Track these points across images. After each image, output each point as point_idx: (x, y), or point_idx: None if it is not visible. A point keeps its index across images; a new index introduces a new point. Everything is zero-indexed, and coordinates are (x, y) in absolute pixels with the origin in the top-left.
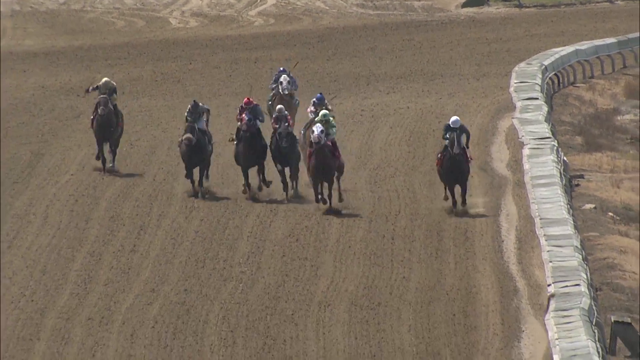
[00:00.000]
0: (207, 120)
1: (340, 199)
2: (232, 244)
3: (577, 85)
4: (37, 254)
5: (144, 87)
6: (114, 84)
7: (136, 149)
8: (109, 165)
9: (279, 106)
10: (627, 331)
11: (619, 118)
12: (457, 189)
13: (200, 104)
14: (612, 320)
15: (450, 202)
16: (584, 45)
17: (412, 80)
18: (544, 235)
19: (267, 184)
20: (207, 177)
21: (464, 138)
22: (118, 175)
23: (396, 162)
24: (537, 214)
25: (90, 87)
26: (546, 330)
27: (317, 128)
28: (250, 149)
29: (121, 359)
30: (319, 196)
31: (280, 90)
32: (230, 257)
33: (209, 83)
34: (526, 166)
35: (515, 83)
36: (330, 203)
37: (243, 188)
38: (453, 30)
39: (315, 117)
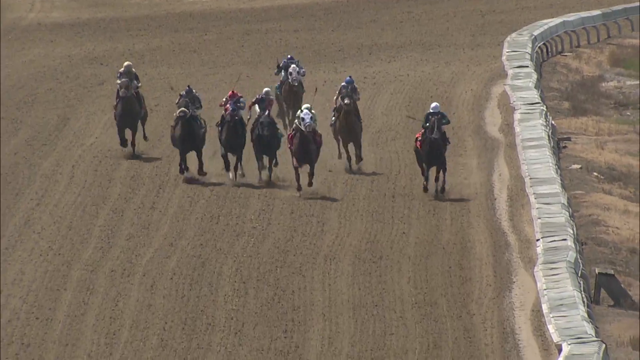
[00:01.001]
0: (199, 104)
1: (310, 183)
2: (245, 202)
3: (565, 54)
4: (63, 210)
5: (163, 56)
6: (134, 70)
7: (155, 113)
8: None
9: (265, 89)
10: (610, 282)
11: (603, 85)
12: (433, 172)
13: (194, 91)
14: (597, 272)
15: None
16: (571, 16)
17: (411, 49)
18: (534, 193)
19: (242, 169)
20: (201, 167)
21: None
22: (140, 138)
23: (397, 126)
24: (527, 173)
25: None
26: (535, 281)
27: (307, 115)
28: (232, 136)
29: (142, 308)
30: (298, 174)
31: (291, 81)
32: (243, 213)
33: (222, 53)
34: (517, 129)
35: (507, 52)
36: (309, 185)
37: (225, 168)
38: (449, 3)
39: (343, 100)
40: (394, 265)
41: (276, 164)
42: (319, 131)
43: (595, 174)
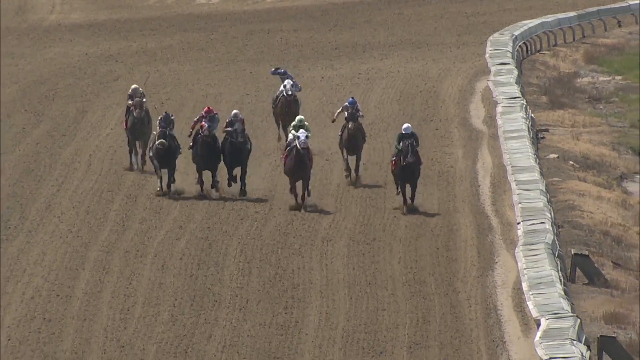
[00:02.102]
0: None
1: (307, 195)
2: (248, 189)
3: (543, 52)
4: (82, 196)
5: (173, 54)
6: (142, 90)
7: (166, 106)
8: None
9: (234, 111)
10: (585, 262)
11: (578, 80)
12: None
13: (171, 115)
14: (572, 252)
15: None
16: (549, 18)
17: (402, 48)
18: (515, 180)
19: (218, 184)
20: (173, 180)
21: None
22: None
23: (388, 119)
24: (508, 162)
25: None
26: (516, 262)
27: (302, 134)
28: (208, 153)
29: (153, 286)
30: (295, 190)
31: (285, 93)
32: (246, 199)
33: (228, 51)
34: (499, 122)
35: (490, 50)
36: (302, 200)
37: (199, 182)
38: (437, 5)
39: (348, 122)
40: (385, 246)
41: (244, 183)
42: (312, 148)
43: (571, 162)
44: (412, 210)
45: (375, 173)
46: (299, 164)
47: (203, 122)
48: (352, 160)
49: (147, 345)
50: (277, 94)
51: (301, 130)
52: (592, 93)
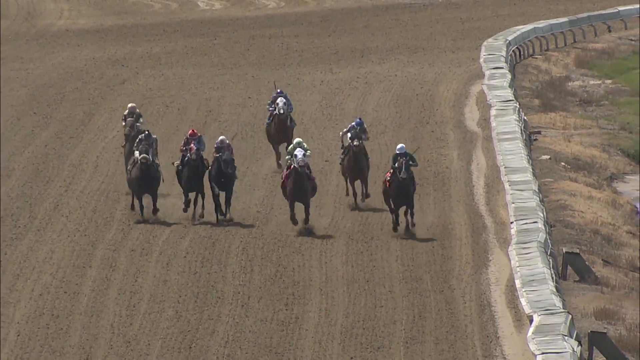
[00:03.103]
0: (156, 148)
1: (306, 221)
2: (250, 189)
3: (535, 56)
4: (89, 196)
5: (177, 59)
6: (138, 110)
7: (170, 109)
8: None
9: (220, 137)
10: (576, 260)
11: (569, 84)
12: (402, 211)
13: (152, 135)
14: (564, 251)
15: (400, 223)
16: (541, 23)
17: (399, 52)
18: (508, 181)
19: (203, 210)
20: (155, 207)
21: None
22: (156, 132)
23: (385, 121)
24: (502, 163)
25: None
26: (509, 260)
27: (300, 152)
28: (194, 175)
29: (158, 283)
30: (294, 215)
31: (277, 111)
32: (249, 199)
33: (230, 55)
34: (493, 124)
35: (484, 55)
36: (306, 222)
37: (185, 207)
38: (433, 11)
39: (352, 141)
40: (383, 245)
41: (229, 205)
42: (312, 165)
43: (562, 163)
44: (411, 227)
45: (373, 174)
46: (298, 185)
47: (192, 145)
48: (357, 185)
49: (152, 340)
50: (269, 111)
51: (298, 149)
52: (582, 96)
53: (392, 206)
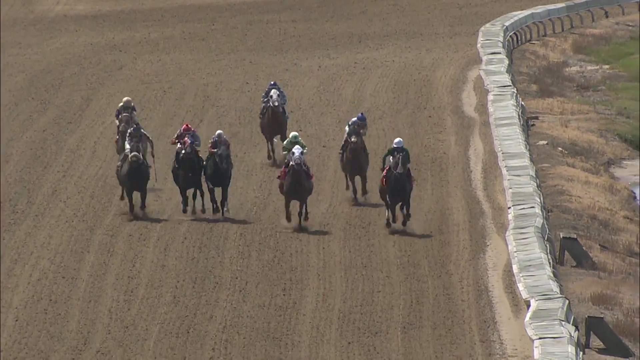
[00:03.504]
0: (152, 150)
1: (306, 218)
2: (247, 174)
3: (533, 42)
4: (87, 182)
5: (175, 44)
6: (133, 103)
7: (168, 95)
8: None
9: (218, 132)
10: (573, 245)
11: (567, 69)
12: (397, 208)
13: (142, 129)
14: (561, 236)
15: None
16: (538, 9)
17: (397, 38)
18: (505, 166)
19: (204, 207)
20: (144, 204)
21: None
22: (154, 118)
23: (383, 106)
24: (499, 149)
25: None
26: (507, 245)
27: (297, 150)
28: (191, 171)
29: (156, 268)
30: (289, 213)
31: (271, 103)
32: (246, 185)
33: (228, 40)
34: (490, 109)
35: (482, 40)
36: (300, 221)
37: (183, 207)
38: None
39: (350, 137)
40: (380, 230)
41: (225, 198)
42: (309, 162)
43: (560, 149)
44: (403, 225)
45: (371, 160)
46: (296, 182)
47: (186, 138)
48: (357, 181)
49: (150, 325)
50: (263, 104)
51: (296, 146)
52: (580, 81)
53: (389, 202)
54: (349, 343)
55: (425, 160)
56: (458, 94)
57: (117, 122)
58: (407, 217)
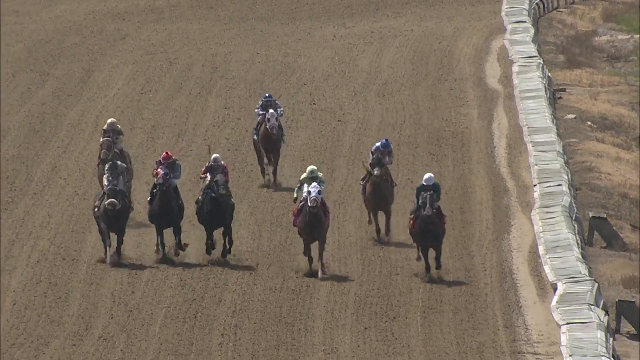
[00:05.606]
0: (129, 180)
1: (321, 257)
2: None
3: (560, 10)
4: (88, 158)
5: (181, 12)
6: (119, 126)
7: (174, 66)
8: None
9: (214, 155)
10: (602, 225)
11: (596, 39)
12: (432, 251)
13: (119, 163)
14: (590, 215)
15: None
16: None
17: (416, 5)
18: (531, 141)
19: (183, 247)
20: (121, 243)
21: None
22: (159, 90)
23: (402, 78)
24: (524, 123)
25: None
26: (532, 225)
27: (314, 189)
28: (165, 207)
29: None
30: (309, 253)
31: (269, 127)
32: (257, 162)
33: (237, 9)
34: (515, 81)
35: (506, 8)
36: (321, 261)
37: (156, 248)
38: None
39: (373, 168)
40: (399, 209)
41: (230, 242)
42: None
43: (588, 123)
44: (433, 278)
45: (389, 134)
46: (313, 222)
47: (159, 169)
48: (380, 215)
49: (155, 309)
50: (258, 120)
51: (313, 184)
52: (610, 52)
53: (419, 246)
54: (366, 328)
55: (446, 135)
56: (481, 65)
57: (101, 140)
58: (438, 266)
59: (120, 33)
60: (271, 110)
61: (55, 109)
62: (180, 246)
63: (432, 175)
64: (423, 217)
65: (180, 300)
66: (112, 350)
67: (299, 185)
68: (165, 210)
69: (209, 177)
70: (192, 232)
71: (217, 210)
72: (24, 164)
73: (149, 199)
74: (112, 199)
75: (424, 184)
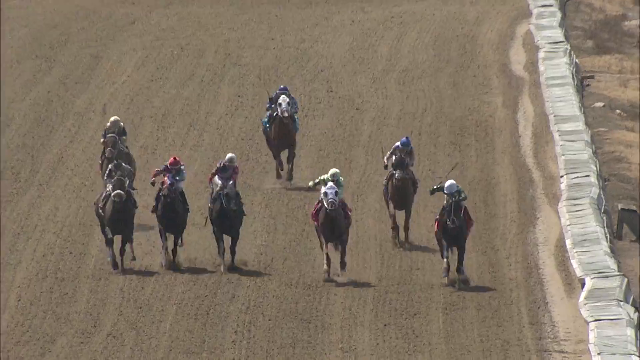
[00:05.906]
0: (132, 182)
1: (342, 265)
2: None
3: None
4: (96, 147)
5: None
6: (122, 124)
7: (185, 52)
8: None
9: (229, 155)
10: (632, 218)
11: (626, 23)
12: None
13: (123, 164)
14: (619, 207)
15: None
16: None
17: None
18: (558, 130)
19: (182, 244)
20: (131, 243)
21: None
22: (170, 78)
23: (423, 65)
24: (551, 111)
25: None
26: (559, 217)
27: (331, 190)
28: (171, 214)
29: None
30: (326, 251)
31: (280, 113)
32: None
33: None
34: (541, 68)
35: None
36: (342, 263)
37: (163, 252)
38: None
39: (395, 170)
40: (420, 201)
41: (233, 253)
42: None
43: (618, 111)
44: (458, 280)
45: (409, 123)
46: (330, 226)
47: (165, 178)
48: (400, 215)
49: (166, 306)
50: (269, 112)
51: (329, 184)
52: None
53: (444, 245)
54: (385, 325)
55: (469, 124)
56: (505, 51)
57: (102, 142)
58: (459, 270)
59: (130, 18)
60: (283, 96)
61: (62, 96)
62: (176, 251)
63: (454, 182)
64: (449, 227)
65: (191, 296)
66: (122, 348)
67: (317, 180)
68: (172, 216)
69: (218, 181)
70: (198, 233)
71: (226, 220)
72: (29, 154)
73: (152, 206)
74: (119, 190)
75: (446, 192)
